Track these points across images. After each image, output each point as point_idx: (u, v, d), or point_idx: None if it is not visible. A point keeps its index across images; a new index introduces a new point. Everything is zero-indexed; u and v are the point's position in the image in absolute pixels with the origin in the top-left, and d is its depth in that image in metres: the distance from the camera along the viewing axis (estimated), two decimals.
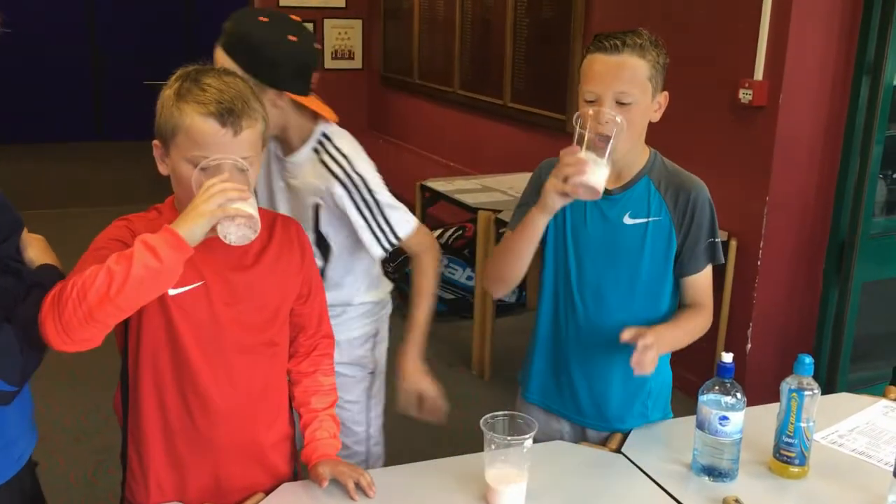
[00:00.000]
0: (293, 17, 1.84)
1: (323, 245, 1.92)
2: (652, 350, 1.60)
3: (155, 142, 1.45)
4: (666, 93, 1.72)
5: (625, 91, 1.62)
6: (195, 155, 1.37)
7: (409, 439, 2.83)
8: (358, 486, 1.51)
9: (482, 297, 3.92)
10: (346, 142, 1.88)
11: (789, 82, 3.18)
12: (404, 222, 1.88)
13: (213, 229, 1.32)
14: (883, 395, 2.01)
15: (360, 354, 2.05)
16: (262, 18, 1.79)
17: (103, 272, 1.25)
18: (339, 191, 1.83)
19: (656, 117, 1.72)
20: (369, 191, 1.84)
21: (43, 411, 3.48)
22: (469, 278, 4.61)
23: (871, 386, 3.50)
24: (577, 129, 1.57)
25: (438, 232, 5.01)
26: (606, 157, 1.56)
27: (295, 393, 1.64)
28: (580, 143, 1.56)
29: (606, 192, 1.66)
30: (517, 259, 1.72)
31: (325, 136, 1.88)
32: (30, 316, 1.33)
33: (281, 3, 6.58)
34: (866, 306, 3.44)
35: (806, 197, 3.35)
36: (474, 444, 1.66)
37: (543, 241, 1.80)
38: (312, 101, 1.83)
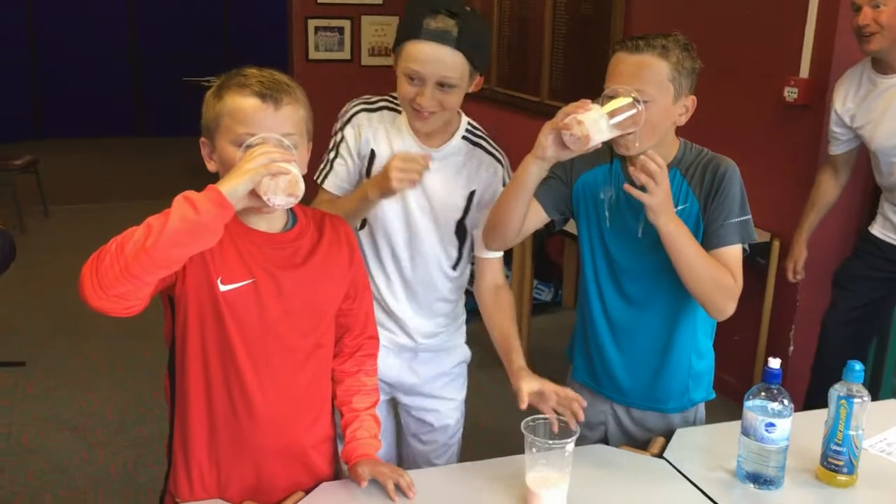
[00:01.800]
0: None
1: (462, 235, 1.92)
2: (654, 171, 1.59)
3: (202, 139, 1.46)
4: (693, 97, 1.73)
5: (642, 89, 1.64)
6: (239, 134, 1.38)
7: None
8: (398, 486, 1.51)
9: (518, 295, 3.90)
10: (495, 140, 1.93)
11: (835, 81, 3.11)
12: None
13: (257, 200, 1.31)
14: None
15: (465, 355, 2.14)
16: (467, 8, 1.76)
17: (143, 226, 1.25)
18: (500, 171, 1.88)
19: (682, 121, 1.73)
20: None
21: (83, 404, 3.60)
22: (505, 276, 4.59)
23: None
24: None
25: None
26: (612, 120, 1.59)
27: (337, 392, 1.64)
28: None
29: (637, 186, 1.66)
30: (509, 208, 1.73)
31: (470, 122, 1.89)
32: None
33: (319, 1, 6.60)
34: None
35: (850, 196, 3.28)
36: (509, 443, 1.65)
37: (577, 235, 1.86)
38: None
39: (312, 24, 6.64)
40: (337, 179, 1.85)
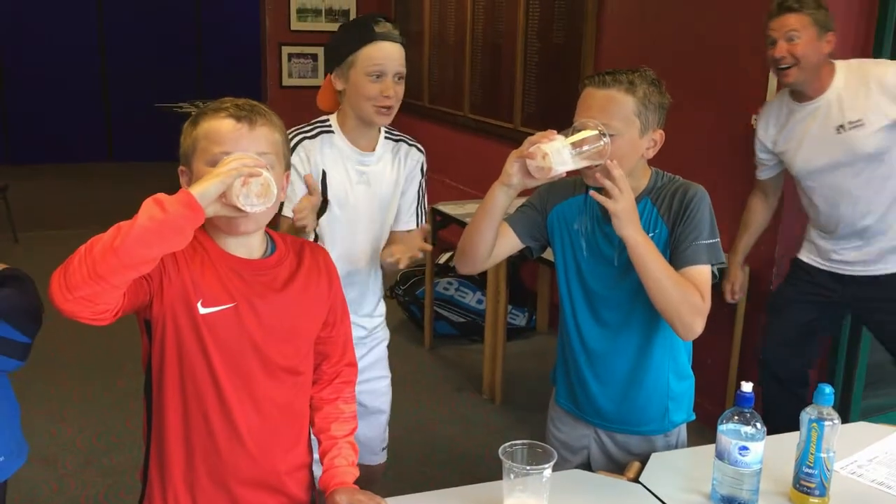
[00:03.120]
0: None
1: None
2: (617, 176, 1.65)
3: (181, 168, 1.47)
4: (661, 131, 1.78)
5: (609, 123, 1.69)
6: (215, 154, 1.40)
7: (418, 461, 2.83)
8: None
9: (493, 320, 3.91)
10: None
11: None
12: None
13: (232, 209, 1.32)
14: None
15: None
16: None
17: (112, 228, 1.24)
18: (421, 158, 2.20)
19: (649, 154, 1.79)
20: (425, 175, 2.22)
21: (54, 434, 3.53)
22: (479, 301, 4.61)
23: (886, 413, 3.48)
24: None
25: (448, 255, 5.01)
26: (576, 151, 1.64)
27: (315, 419, 1.64)
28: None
29: (608, 219, 1.70)
30: (477, 233, 1.80)
31: (385, 126, 2.14)
32: (13, 294, 1.36)
33: (292, 28, 6.64)
34: None
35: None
36: (484, 468, 1.65)
37: (554, 263, 1.92)
38: None
39: (286, 50, 6.68)
40: (290, 204, 1.93)
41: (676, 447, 1.93)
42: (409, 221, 2.21)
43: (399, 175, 2.15)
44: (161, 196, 1.26)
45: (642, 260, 1.68)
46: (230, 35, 9.49)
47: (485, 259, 1.83)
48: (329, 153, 2.06)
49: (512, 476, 1.49)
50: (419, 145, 2.22)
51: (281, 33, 6.65)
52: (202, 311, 1.42)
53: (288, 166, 1.54)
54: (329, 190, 2.04)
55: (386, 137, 2.14)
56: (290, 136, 1.99)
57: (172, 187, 1.48)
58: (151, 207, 1.24)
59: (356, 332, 2.05)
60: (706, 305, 1.73)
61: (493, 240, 1.80)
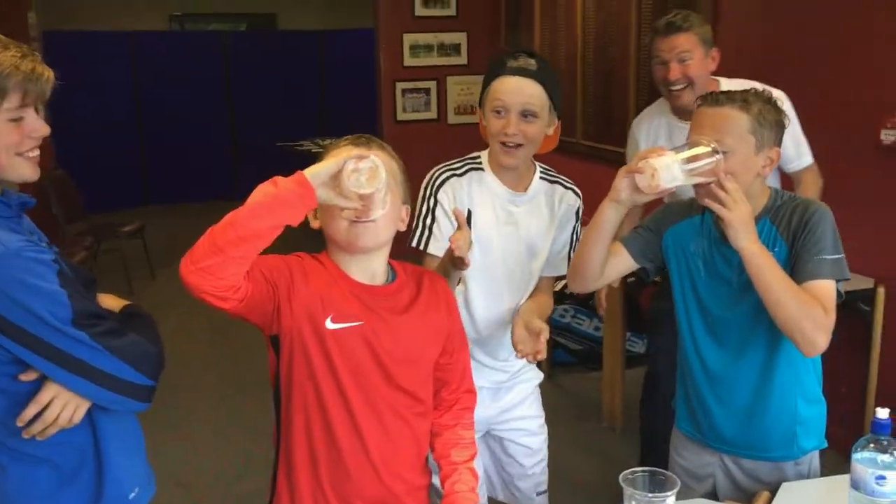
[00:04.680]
0: None
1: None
2: (730, 189, 1.64)
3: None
4: (778, 149, 1.74)
5: (721, 140, 1.67)
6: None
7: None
8: None
9: (611, 347, 3.86)
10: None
11: None
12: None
13: (342, 199, 1.39)
14: None
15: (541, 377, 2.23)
16: (542, 56, 2.00)
17: (233, 211, 1.35)
18: (578, 202, 2.06)
19: (766, 172, 1.75)
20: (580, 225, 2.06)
21: (190, 458, 3.69)
22: (596, 328, 4.56)
23: None
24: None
25: (564, 283, 4.98)
26: (686, 167, 1.62)
27: (435, 445, 1.67)
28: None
29: (726, 240, 1.69)
30: (588, 251, 1.80)
31: (541, 166, 2.06)
32: (139, 341, 1.45)
33: (405, 64, 6.82)
34: None
35: None
36: (607, 497, 1.63)
37: (672, 287, 1.89)
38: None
39: (400, 86, 6.86)
40: (438, 243, 1.94)
41: (808, 476, 1.84)
42: (559, 267, 2.06)
43: (552, 219, 2.02)
44: (276, 178, 1.36)
45: (759, 272, 1.64)
46: (349, 74, 9.84)
47: (596, 277, 1.83)
48: (477, 191, 1.97)
49: (633, 503, 1.47)
50: (576, 188, 2.08)
51: (395, 70, 6.84)
52: (331, 326, 1.49)
53: (406, 199, 1.61)
54: (473, 230, 1.91)
55: (541, 178, 2.03)
56: (440, 172, 2.00)
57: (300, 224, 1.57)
58: (266, 185, 1.35)
59: (497, 377, 2.07)
60: (830, 321, 1.66)
61: (605, 257, 1.80)
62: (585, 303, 4.75)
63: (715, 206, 1.65)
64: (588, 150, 5.60)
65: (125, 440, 1.59)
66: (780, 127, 1.73)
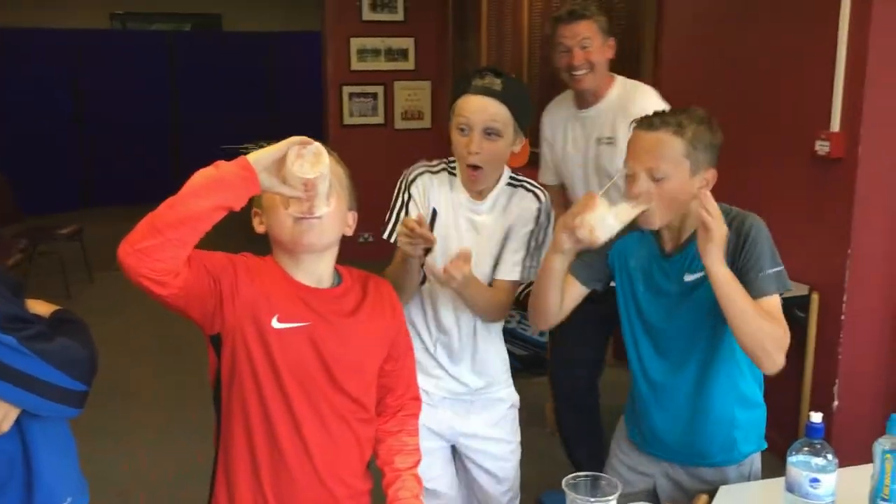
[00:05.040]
0: None
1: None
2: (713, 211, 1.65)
3: (255, 210, 1.56)
4: (713, 170, 1.77)
5: (656, 167, 1.70)
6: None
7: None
8: None
9: None
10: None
11: (868, 133, 3.12)
12: None
13: (285, 187, 1.38)
14: None
15: (516, 400, 2.18)
16: (510, 75, 2.01)
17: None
18: (536, 205, 1.99)
19: (703, 193, 1.72)
20: (548, 228, 2.01)
21: (128, 467, 3.62)
22: (541, 334, 4.59)
23: None
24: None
25: None
26: (620, 216, 1.66)
27: (380, 451, 1.67)
28: (606, 193, 1.69)
29: (665, 255, 1.78)
30: (543, 296, 1.83)
31: (512, 172, 2.04)
32: (71, 344, 1.42)
33: (353, 69, 6.79)
34: None
35: (890, 248, 3.25)
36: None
37: (617, 300, 1.91)
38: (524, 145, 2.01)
39: (347, 90, 6.83)
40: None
41: (750, 478, 1.89)
42: (510, 272, 1.98)
43: (507, 223, 2.00)
44: (218, 161, 1.36)
45: (730, 296, 1.65)
46: (295, 78, 9.75)
47: (556, 314, 1.87)
48: (445, 194, 1.98)
49: None
50: (539, 191, 2.02)
51: (342, 74, 6.81)
52: (277, 325, 1.47)
53: (353, 206, 1.60)
54: (436, 230, 1.94)
55: (507, 184, 2.01)
56: (417, 167, 2.03)
57: (237, 226, 1.55)
58: (207, 169, 1.35)
59: (455, 388, 2.05)
60: (788, 337, 1.71)
61: (560, 298, 1.83)
62: None
63: (706, 219, 1.65)
64: (533, 155, 5.64)
65: (56, 448, 1.54)
66: (715, 148, 1.76)
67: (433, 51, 6.97)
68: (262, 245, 1.59)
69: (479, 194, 1.99)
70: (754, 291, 1.71)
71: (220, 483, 1.58)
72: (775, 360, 1.70)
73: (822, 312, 3.29)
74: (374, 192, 2.38)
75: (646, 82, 4.28)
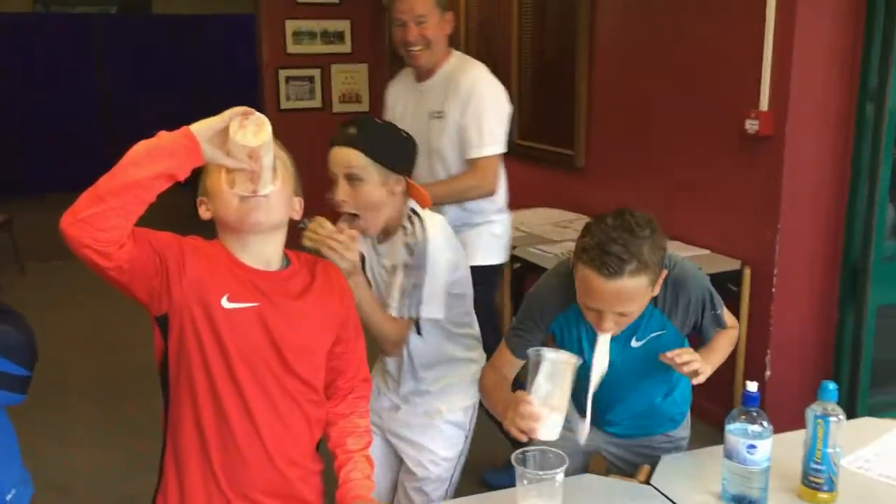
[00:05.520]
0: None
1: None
2: (695, 365, 1.71)
3: (200, 199, 1.55)
4: (665, 271, 1.73)
5: (625, 310, 1.66)
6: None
7: None
8: None
9: (499, 336, 3.93)
10: (434, 222, 2.00)
11: (794, 112, 3.23)
12: (431, 310, 1.96)
13: (228, 158, 1.38)
14: None
15: (461, 420, 2.13)
16: (378, 121, 2.11)
17: None
18: (413, 243, 1.94)
19: (657, 291, 1.74)
20: (428, 272, 1.92)
21: (67, 462, 3.54)
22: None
23: (893, 410, 3.50)
24: (530, 366, 1.62)
25: None
26: (564, 405, 1.59)
27: (331, 434, 1.67)
28: (532, 379, 1.60)
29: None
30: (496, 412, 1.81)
31: (413, 211, 2.00)
32: (9, 329, 1.39)
33: (288, 51, 6.71)
34: (883, 330, 3.45)
35: (817, 223, 3.38)
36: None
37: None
38: (415, 186, 1.99)
39: (283, 73, 6.74)
40: None
41: (686, 436, 2.05)
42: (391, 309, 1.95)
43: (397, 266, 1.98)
44: (160, 132, 1.35)
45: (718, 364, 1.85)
46: (228, 61, 9.57)
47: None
48: (360, 240, 1.96)
49: (525, 482, 1.52)
50: (425, 226, 1.96)
51: (278, 57, 6.71)
52: (227, 305, 1.47)
53: (298, 192, 1.61)
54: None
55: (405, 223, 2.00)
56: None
57: (176, 212, 1.53)
58: (148, 139, 1.34)
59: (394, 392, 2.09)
60: (738, 329, 1.97)
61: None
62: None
63: (692, 377, 1.74)
64: None
65: None
66: (664, 252, 1.70)
67: (369, 33, 6.92)
68: (210, 232, 1.58)
69: (382, 237, 2.01)
70: (714, 327, 1.89)
71: (168, 466, 1.57)
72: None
73: (753, 286, 3.41)
74: (314, 177, 2.36)
75: (581, 66, 4.40)
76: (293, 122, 6.59)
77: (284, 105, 6.76)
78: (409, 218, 1.99)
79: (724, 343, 1.91)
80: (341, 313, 1.64)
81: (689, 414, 2.09)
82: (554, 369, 1.57)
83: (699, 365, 1.71)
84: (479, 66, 2.85)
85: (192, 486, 1.54)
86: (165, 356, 1.52)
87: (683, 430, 2.06)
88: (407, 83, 2.95)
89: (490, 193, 2.85)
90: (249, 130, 1.38)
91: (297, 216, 1.61)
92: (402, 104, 2.93)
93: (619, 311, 1.65)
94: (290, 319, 1.54)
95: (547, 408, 1.56)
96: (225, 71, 9.61)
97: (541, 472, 1.52)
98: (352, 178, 1.91)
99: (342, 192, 1.91)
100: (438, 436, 2.10)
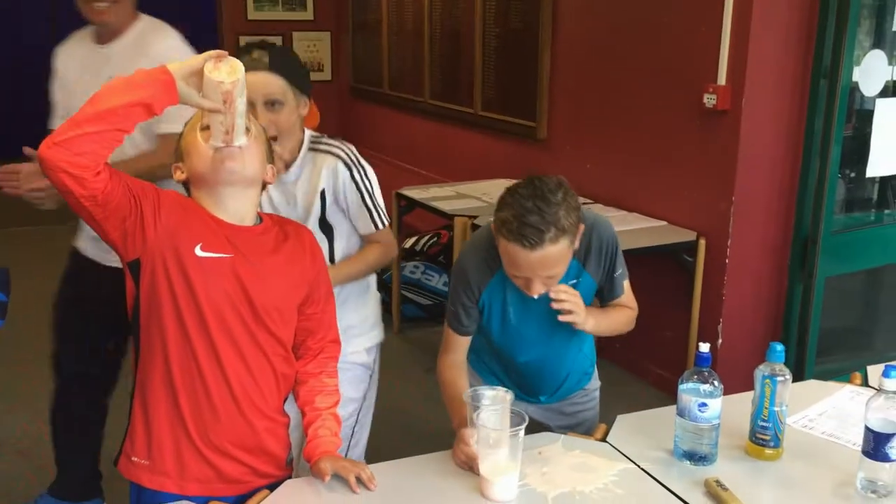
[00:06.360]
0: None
1: (328, 232, 2.07)
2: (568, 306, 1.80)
3: (176, 165, 1.60)
4: (582, 226, 1.78)
5: (550, 274, 1.75)
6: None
7: (393, 440, 2.91)
8: (359, 479, 1.58)
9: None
10: (338, 140, 2.10)
11: (751, 87, 3.31)
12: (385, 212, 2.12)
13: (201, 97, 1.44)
14: (849, 381, 2.13)
15: (365, 360, 2.20)
16: (274, 45, 2.05)
17: None
18: (342, 169, 2.02)
19: (577, 244, 1.80)
20: (366, 174, 2.06)
21: (27, 428, 3.52)
22: (445, 284, 4.69)
23: (838, 377, 3.65)
24: (470, 409, 1.65)
25: (413, 239, 5.08)
26: (509, 455, 1.59)
27: (300, 392, 1.71)
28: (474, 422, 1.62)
29: None
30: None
31: (315, 136, 2.05)
32: None
33: (249, 18, 6.63)
34: (830, 301, 3.58)
35: (770, 196, 3.48)
36: (452, 443, 1.74)
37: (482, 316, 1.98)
38: (314, 108, 2.03)
39: (244, 40, 6.65)
40: None
41: (598, 387, 2.21)
42: (368, 226, 2.08)
43: (313, 191, 2.03)
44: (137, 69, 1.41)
45: (602, 333, 1.96)
46: (184, 24, 9.39)
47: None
48: None
49: (490, 440, 1.57)
50: (337, 149, 2.05)
51: (238, 23, 6.63)
52: (200, 253, 1.50)
53: (271, 160, 1.65)
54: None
55: (309, 149, 2.04)
56: None
57: None
58: (126, 76, 1.40)
59: None
60: (636, 310, 2.04)
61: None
62: (435, 259, 4.87)
63: (567, 319, 1.81)
64: (435, 109, 5.69)
65: None
66: (579, 211, 1.74)
67: (332, 1, 6.87)
68: None
69: (283, 166, 2.01)
70: (616, 290, 1.98)
71: (136, 412, 1.60)
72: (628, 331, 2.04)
73: (708, 257, 3.50)
74: None
75: (544, 39, 4.44)
76: None
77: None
78: (317, 142, 2.05)
79: (617, 315, 1.98)
80: (311, 273, 1.68)
81: (596, 365, 2.21)
82: (496, 436, 1.58)
83: (573, 308, 1.78)
84: (168, 30, 2.63)
85: (159, 431, 1.57)
86: (137, 302, 1.54)
87: (595, 382, 2.20)
88: (84, 45, 2.61)
89: None
90: (224, 71, 1.42)
91: (270, 180, 1.65)
92: (78, 69, 2.58)
93: (546, 275, 1.74)
94: (262, 274, 1.57)
95: (497, 475, 1.58)
96: (183, 35, 9.43)
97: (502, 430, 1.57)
98: (273, 104, 1.92)
99: (264, 118, 1.89)
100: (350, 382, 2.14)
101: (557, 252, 1.70)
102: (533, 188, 1.69)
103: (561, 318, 1.81)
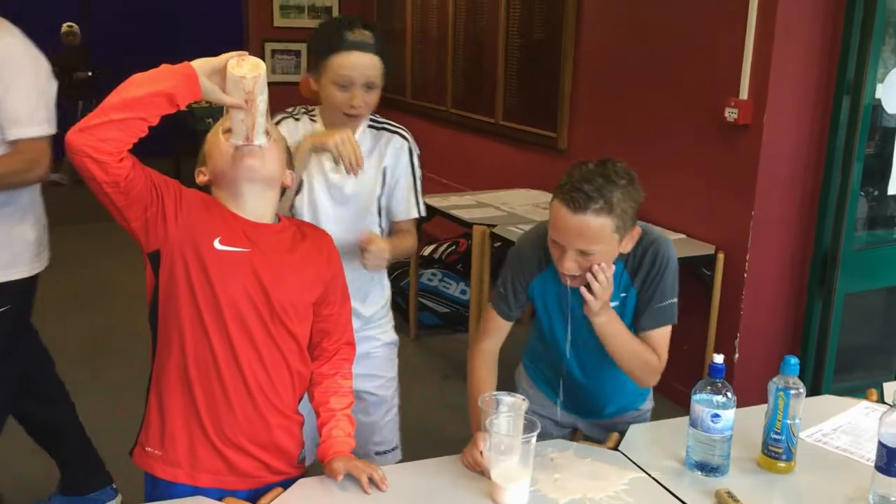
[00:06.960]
0: None
1: (379, 211, 2.16)
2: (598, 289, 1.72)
3: (198, 170, 1.64)
4: (638, 227, 1.77)
5: (587, 248, 1.70)
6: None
7: (409, 446, 2.92)
8: (371, 480, 1.60)
9: (476, 310, 4.00)
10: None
11: (773, 102, 3.31)
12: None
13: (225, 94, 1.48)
14: (865, 398, 2.12)
15: (394, 337, 2.32)
16: (375, 25, 2.08)
17: None
18: (407, 150, 2.14)
19: (628, 248, 1.79)
20: (419, 160, 2.18)
21: None
22: (462, 292, 4.71)
23: (855, 395, 3.61)
24: (483, 413, 1.66)
25: (432, 247, 5.11)
26: (520, 461, 1.59)
27: (315, 393, 1.73)
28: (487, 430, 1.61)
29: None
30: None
31: (372, 115, 2.14)
32: None
33: (275, 25, 6.70)
34: (849, 318, 3.55)
35: (790, 212, 3.47)
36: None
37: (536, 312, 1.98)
38: None
39: (269, 47, 6.74)
40: None
41: (651, 408, 2.13)
42: (411, 211, 2.16)
43: (375, 167, 2.09)
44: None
45: (607, 338, 1.81)
46: (212, 32, 9.49)
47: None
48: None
49: (502, 447, 1.58)
50: (402, 130, 2.16)
51: (265, 30, 6.70)
52: (219, 247, 1.53)
53: (291, 165, 1.69)
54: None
55: (369, 126, 2.12)
56: (278, 115, 2.10)
57: None
58: (150, 70, 1.44)
59: None
60: (662, 364, 1.87)
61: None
62: (453, 267, 4.89)
63: (584, 290, 1.73)
64: (457, 118, 5.72)
65: None
66: (637, 205, 1.73)
67: (357, 8, 6.93)
68: None
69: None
70: (649, 322, 1.85)
71: (152, 405, 1.63)
72: (646, 383, 1.92)
73: (726, 271, 3.50)
74: None
75: (567, 51, 4.45)
76: (278, 97, 6.58)
77: (270, 79, 6.72)
78: (377, 122, 2.13)
79: (637, 346, 1.84)
80: (327, 274, 1.70)
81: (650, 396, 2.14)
82: (508, 443, 1.58)
83: (598, 292, 1.70)
84: (14, 31, 2.42)
85: (173, 422, 1.60)
86: (156, 294, 1.57)
87: (650, 403, 2.14)
88: None
89: (39, 180, 2.46)
90: (245, 68, 1.47)
91: (289, 184, 1.69)
92: None
93: (579, 247, 1.69)
94: (278, 269, 1.60)
95: (508, 481, 1.58)
96: (210, 42, 9.52)
97: (514, 437, 1.58)
98: (370, 86, 2.00)
99: (360, 99, 1.98)
100: (380, 361, 2.27)
101: (598, 226, 1.66)
102: (603, 167, 1.71)
103: (582, 290, 1.73)
